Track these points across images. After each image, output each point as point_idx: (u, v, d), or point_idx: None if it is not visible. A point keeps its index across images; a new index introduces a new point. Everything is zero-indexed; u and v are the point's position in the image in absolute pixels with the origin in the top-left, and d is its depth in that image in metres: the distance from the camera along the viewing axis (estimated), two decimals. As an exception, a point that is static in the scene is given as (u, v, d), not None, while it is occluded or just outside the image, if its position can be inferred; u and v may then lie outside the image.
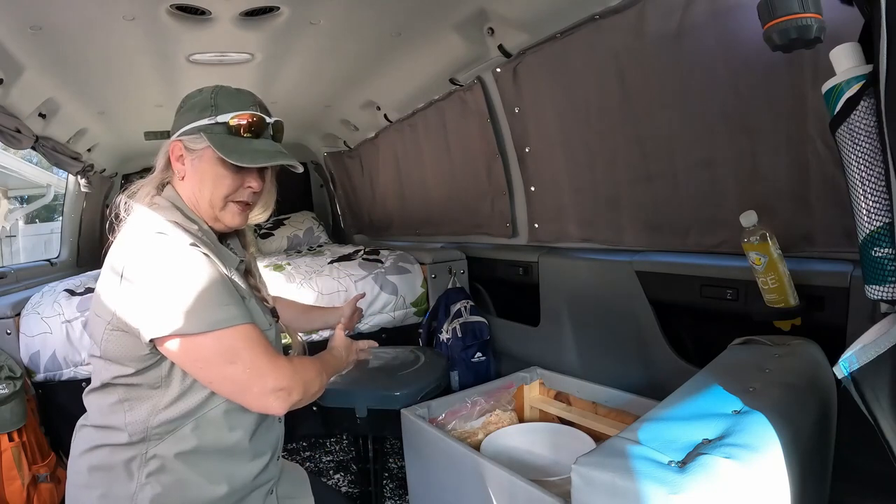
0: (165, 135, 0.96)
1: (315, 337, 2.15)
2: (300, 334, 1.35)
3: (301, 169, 0.97)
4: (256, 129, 0.91)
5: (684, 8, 1.27)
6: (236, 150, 0.88)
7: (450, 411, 1.32)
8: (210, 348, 0.80)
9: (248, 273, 1.04)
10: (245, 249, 1.06)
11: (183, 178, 0.92)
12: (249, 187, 0.92)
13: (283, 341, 1.11)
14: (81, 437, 0.91)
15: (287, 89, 2.47)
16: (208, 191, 0.90)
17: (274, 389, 0.81)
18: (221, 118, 0.89)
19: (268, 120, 0.93)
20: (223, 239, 1.01)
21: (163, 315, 0.78)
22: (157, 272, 0.80)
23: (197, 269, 0.81)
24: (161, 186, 0.94)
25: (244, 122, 0.90)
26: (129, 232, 0.86)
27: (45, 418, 1.83)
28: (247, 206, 0.95)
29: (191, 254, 0.82)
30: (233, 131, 0.90)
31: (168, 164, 0.93)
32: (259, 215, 1.05)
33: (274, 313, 1.06)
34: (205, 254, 0.84)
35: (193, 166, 0.91)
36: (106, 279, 0.84)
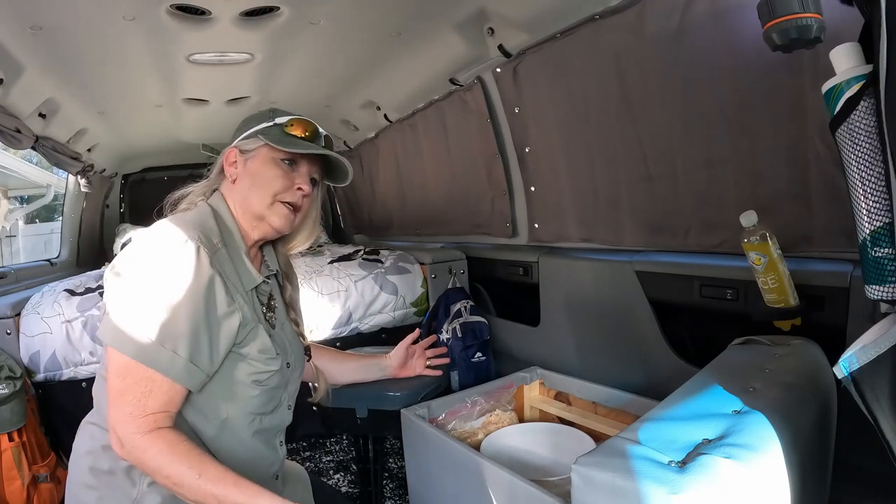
0: (217, 150, 1.00)
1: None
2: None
3: (349, 178, 0.99)
4: (310, 133, 0.94)
5: (684, 8, 1.27)
6: (290, 144, 0.91)
7: (450, 411, 1.32)
8: (126, 367, 0.78)
9: (283, 287, 1.05)
10: (290, 278, 1.07)
11: (234, 181, 0.94)
12: (300, 189, 0.93)
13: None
14: (86, 435, 0.91)
15: (287, 89, 2.47)
16: (258, 189, 0.91)
17: (118, 437, 0.78)
18: (279, 121, 0.94)
19: (321, 130, 0.97)
20: (262, 249, 1.01)
21: (116, 324, 0.79)
22: (136, 280, 0.80)
23: (184, 294, 0.79)
24: (208, 194, 0.96)
25: (299, 125, 0.93)
26: (152, 228, 0.85)
27: (45, 418, 1.83)
28: (294, 211, 0.94)
29: (188, 275, 0.79)
30: (288, 132, 0.93)
31: (220, 171, 0.96)
32: (302, 243, 1.06)
33: (308, 352, 1.08)
34: (218, 271, 0.83)
35: (246, 167, 0.93)
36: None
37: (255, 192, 0.92)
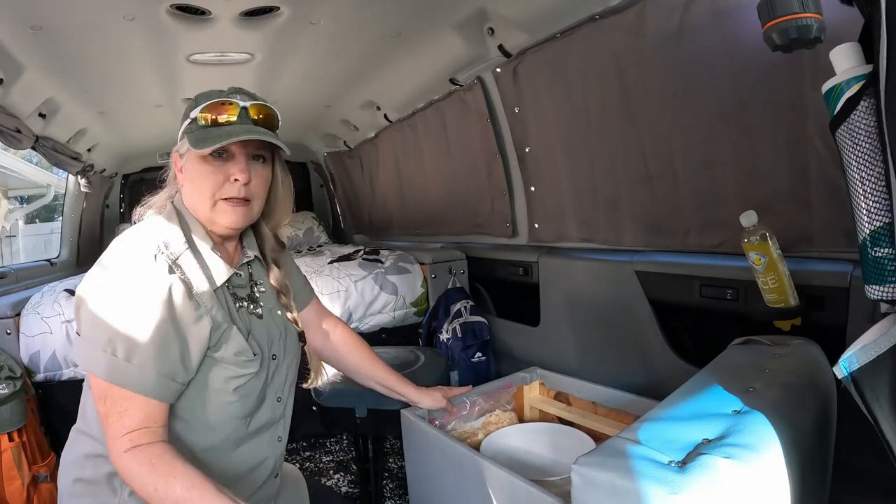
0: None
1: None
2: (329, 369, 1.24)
3: (288, 151, 0.90)
4: (228, 115, 0.85)
5: (684, 8, 1.27)
6: (207, 138, 0.83)
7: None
8: (103, 390, 0.78)
9: (269, 270, 1.01)
10: (277, 262, 1.02)
11: (182, 185, 0.90)
12: (236, 180, 0.85)
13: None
14: (72, 444, 0.90)
15: (287, 89, 2.47)
16: (198, 192, 0.87)
17: (113, 461, 0.78)
18: (193, 114, 0.86)
19: (241, 104, 0.86)
20: (241, 240, 0.98)
21: (86, 347, 0.78)
22: (98, 301, 0.78)
23: (144, 308, 0.77)
24: (172, 198, 0.93)
25: (211, 110, 0.85)
26: (113, 244, 0.84)
27: (45, 418, 1.83)
28: (239, 203, 0.87)
29: (146, 288, 0.78)
30: (205, 123, 0.85)
31: (174, 176, 0.93)
32: (283, 220, 1.00)
33: (302, 337, 1.04)
34: (180, 278, 0.81)
35: (185, 172, 0.89)
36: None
37: (195, 197, 0.87)
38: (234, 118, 0.85)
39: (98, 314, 0.77)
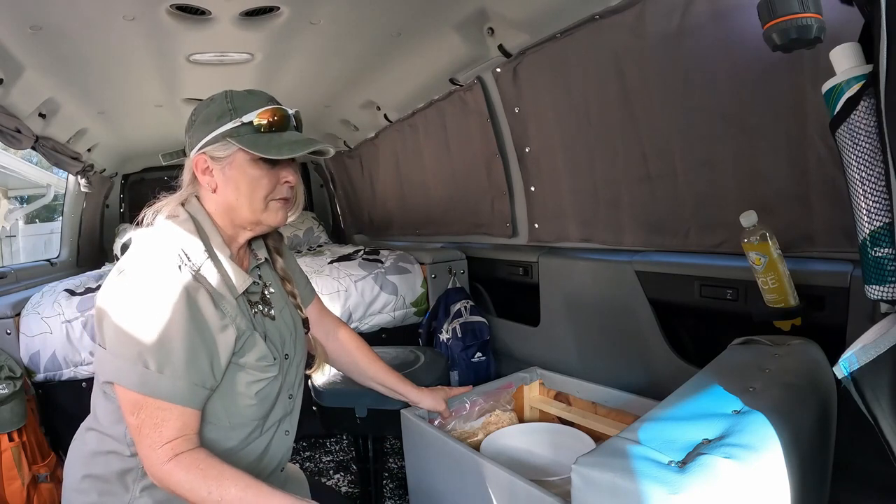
0: (181, 153, 0.96)
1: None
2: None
3: (332, 152, 0.94)
4: (282, 123, 0.88)
5: (684, 8, 1.27)
6: (269, 145, 0.85)
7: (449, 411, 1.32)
8: (135, 403, 0.78)
9: (274, 262, 1.03)
10: (280, 251, 1.05)
11: (215, 189, 0.88)
12: (287, 182, 0.90)
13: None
14: (80, 441, 0.91)
15: (287, 89, 2.47)
16: (246, 196, 0.87)
17: (149, 472, 0.80)
18: (246, 118, 0.86)
19: (289, 112, 0.91)
20: (249, 244, 0.98)
21: (113, 359, 0.78)
22: (124, 313, 0.78)
23: (173, 319, 0.78)
24: (186, 200, 0.91)
25: (269, 118, 0.87)
26: (132, 252, 0.84)
27: (45, 418, 1.83)
28: (286, 202, 0.92)
29: (173, 299, 0.78)
30: (260, 129, 0.86)
31: (193, 179, 0.90)
32: (292, 215, 1.01)
33: (306, 324, 1.06)
34: (205, 287, 0.82)
35: (225, 175, 0.87)
36: (104, 284, 0.83)
37: (244, 201, 0.88)
38: (287, 127, 0.90)
39: (125, 326, 0.78)
